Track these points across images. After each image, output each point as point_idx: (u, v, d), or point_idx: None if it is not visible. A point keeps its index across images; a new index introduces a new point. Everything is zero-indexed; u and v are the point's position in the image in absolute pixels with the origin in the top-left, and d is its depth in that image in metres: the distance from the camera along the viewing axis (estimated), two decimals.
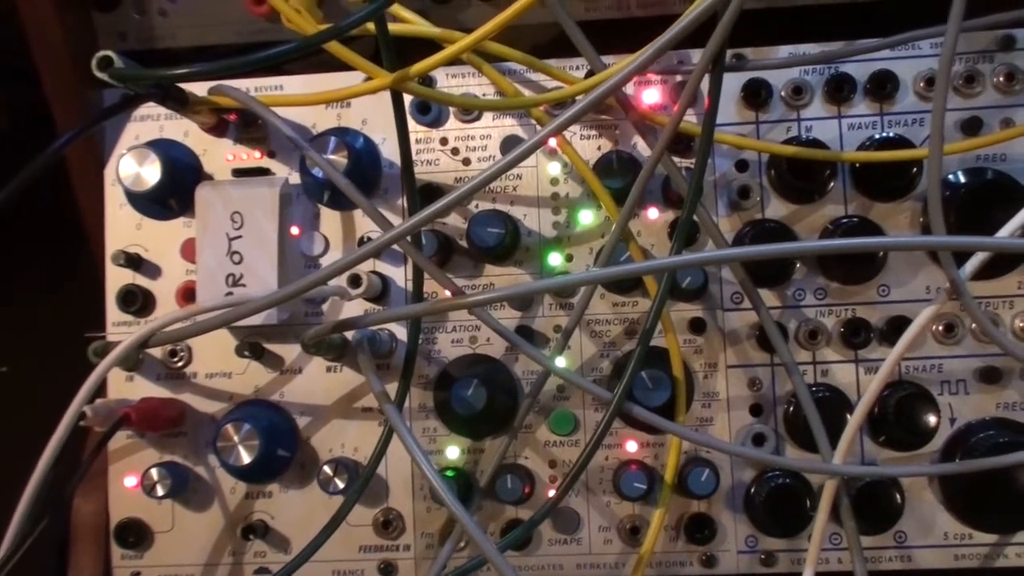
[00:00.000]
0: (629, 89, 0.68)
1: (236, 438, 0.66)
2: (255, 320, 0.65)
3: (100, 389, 0.65)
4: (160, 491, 0.68)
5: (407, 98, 0.67)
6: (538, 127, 0.70)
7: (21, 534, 0.62)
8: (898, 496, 0.66)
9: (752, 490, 0.67)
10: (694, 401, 0.68)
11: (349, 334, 0.68)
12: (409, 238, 0.63)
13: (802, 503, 0.66)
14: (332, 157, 0.66)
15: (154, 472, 0.68)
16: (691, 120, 0.68)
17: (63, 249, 0.81)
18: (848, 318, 0.68)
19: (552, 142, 0.69)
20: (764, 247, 0.61)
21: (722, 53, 0.59)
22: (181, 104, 0.65)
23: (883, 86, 0.68)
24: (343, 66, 0.64)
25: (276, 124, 0.63)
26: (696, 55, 0.69)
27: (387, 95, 0.66)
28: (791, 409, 0.67)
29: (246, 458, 0.66)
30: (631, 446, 0.69)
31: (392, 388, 0.67)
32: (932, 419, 0.65)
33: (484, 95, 0.70)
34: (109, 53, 0.59)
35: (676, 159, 0.67)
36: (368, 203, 0.63)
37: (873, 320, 0.67)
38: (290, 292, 0.59)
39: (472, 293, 0.68)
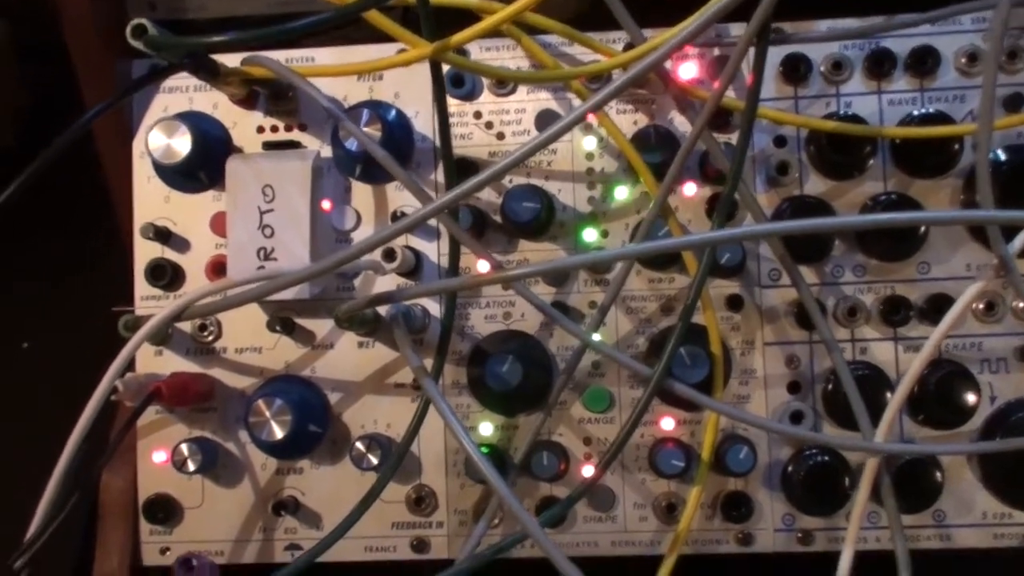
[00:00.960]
0: (665, 63, 0.67)
1: (268, 413, 0.65)
2: (286, 294, 0.64)
3: (128, 364, 0.64)
4: (191, 466, 0.67)
5: None
6: (573, 101, 0.69)
7: (51, 511, 0.61)
8: (938, 474, 0.65)
9: (789, 468, 0.67)
10: (731, 378, 0.67)
11: (381, 309, 0.67)
12: (446, 212, 0.62)
13: (840, 481, 0.65)
14: (365, 130, 0.65)
15: (184, 447, 0.68)
16: (728, 95, 0.67)
17: (88, 222, 0.80)
18: (887, 295, 0.67)
19: (589, 116, 0.68)
20: (806, 221, 0.60)
21: (767, 26, 0.58)
22: (213, 75, 0.64)
23: (924, 61, 0.67)
24: (370, 38, 0.63)
25: (313, 95, 0.62)
26: (734, 29, 0.68)
27: (421, 67, 0.65)
28: (830, 387, 0.67)
29: (278, 433, 0.65)
30: (667, 423, 0.68)
31: (425, 364, 0.66)
32: (972, 398, 0.64)
33: (518, 68, 0.69)
34: (143, 21, 0.58)
35: (715, 134, 0.66)
36: (407, 175, 0.62)
37: (912, 298, 0.67)
38: (325, 266, 0.58)
39: (511, 267, 0.67)
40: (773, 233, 0.62)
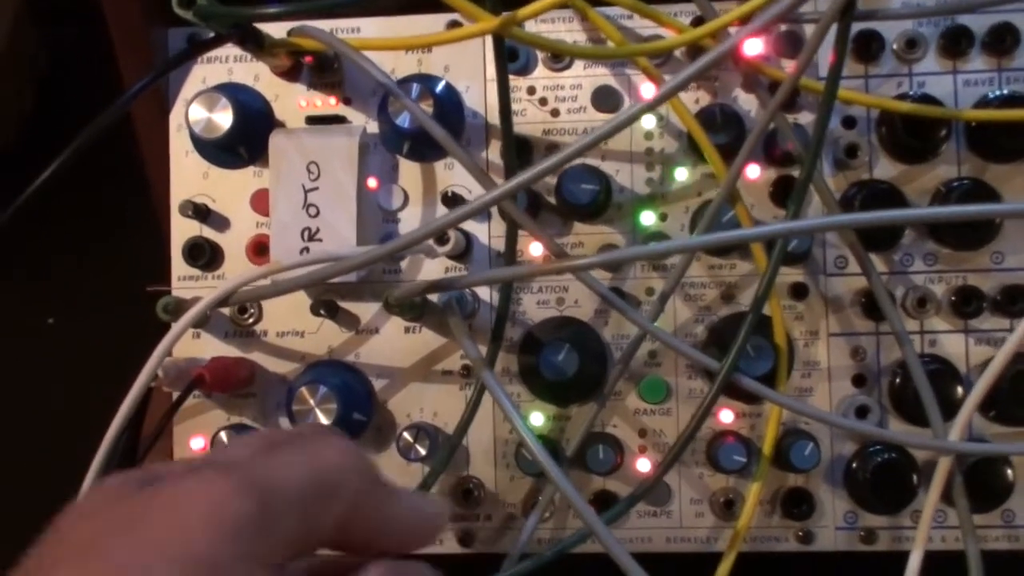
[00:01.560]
0: None
1: (312, 401, 0.63)
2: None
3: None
4: None
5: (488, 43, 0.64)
6: (632, 77, 0.66)
7: None
8: (1009, 473, 0.63)
9: (854, 465, 0.64)
10: (794, 370, 0.65)
11: (431, 295, 0.65)
12: None
13: (908, 479, 0.63)
14: (419, 106, 0.61)
15: (224, 435, 0.65)
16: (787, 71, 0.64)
17: (120, 196, 0.77)
18: (959, 286, 0.64)
19: (649, 94, 0.65)
20: (886, 213, 0.57)
21: (852, 2, 0.55)
22: (259, 47, 0.61)
23: (1002, 39, 0.64)
24: (414, 8, 0.60)
25: (367, 69, 0.59)
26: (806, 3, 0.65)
27: (473, 40, 0.62)
28: (897, 381, 0.64)
29: (325, 422, 0.62)
30: (726, 416, 0.65)
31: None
32: None
33: (574, 41, 0.66)
34: None
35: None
36: (468, 158, 0.59)
37: (985, 288, 0.64)
38: (385, 251, 0.56)
39: (573, 256, 0.64)
40: (850, 225, 0.60)
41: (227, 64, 0.68)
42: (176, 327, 0.59)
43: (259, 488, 0.32)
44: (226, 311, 0.67)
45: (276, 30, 0.64)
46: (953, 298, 0.64)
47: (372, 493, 0.36)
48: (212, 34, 0.60)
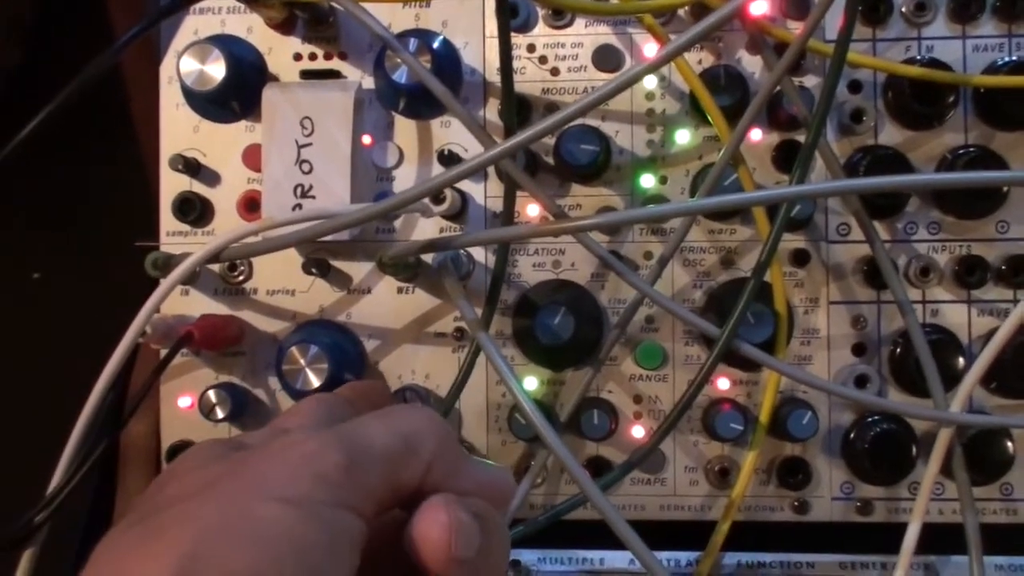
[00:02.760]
0: None
1: (303, 361, 0.61)
2: (326, 236, 0.60)
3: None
4: (220, 413, 0.64)
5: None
6: (635, 36, 0.64)
7: (75, 461, 0.58)
8: (1010, 446, 0.62)
9: (852, 435, 0.63)
10: (793, 338, 0.64)
11: (425, 255, 0.63)
12: None
13: (907, 450, 0.62)
14: (418, 60, 0.60)
15: (212, 394, 0.64)
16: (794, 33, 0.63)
17: (108, 149, 0.76)
18: (963, 255, 0.63)
19: (651, 54, 0.63)
20: (891, 178, 0.56)
21: None
22: None
23: (1014, 4, 0.62)
24: None
25: (365, 22, 0.57)
26: None
27: None
28: (898, 350, 0.63)
29: (314, 382, 0.61)
30: (723, 383, 0.64)
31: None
32: None
33: None
34: None
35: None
36: (468, 115, 0.58)
37: (990, 258, 0.63)
38: (380, 209, 0.54)
39: (573, 217, 0.63)
40: (855, 190, 0.58)
41: (220, 15, 0.66)
42: (164, 283, 0.58)
43: (347, 444, 0.37)
44: (216, 268, 0.66)
45: None
46: (956, 268, 0.63)
47: (448, 456, 0.39)
48: None
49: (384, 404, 0.46)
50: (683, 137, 0.65)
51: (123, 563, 0.33)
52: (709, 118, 0.61)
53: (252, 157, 0.65)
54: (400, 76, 0.61)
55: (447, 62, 0.64)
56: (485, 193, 0.65)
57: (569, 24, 0.65)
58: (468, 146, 0.65)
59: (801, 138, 0.61)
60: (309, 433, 0.37)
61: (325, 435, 0.37)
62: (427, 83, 0.57)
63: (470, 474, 0.40)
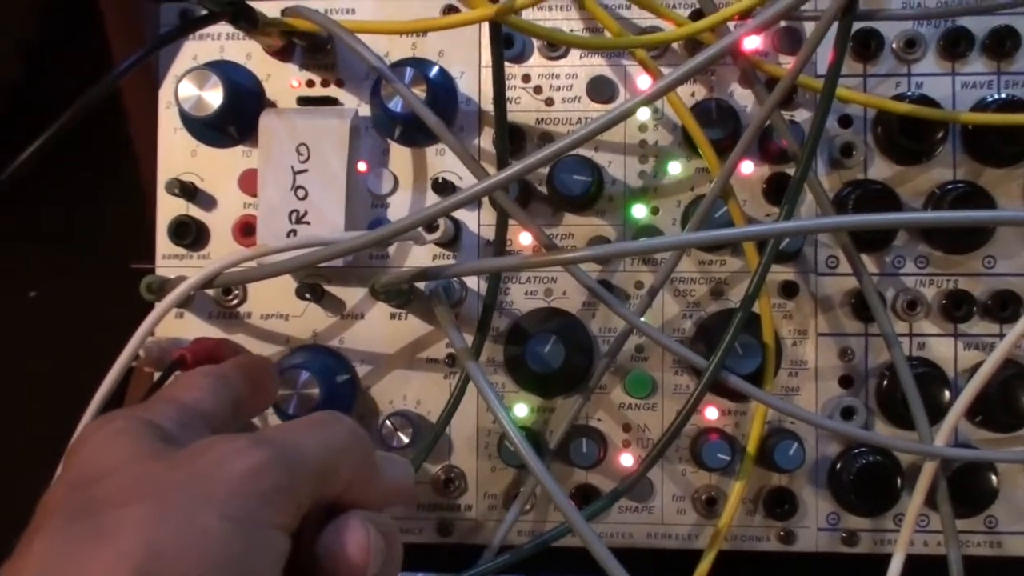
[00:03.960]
0: None
1: (295, 386, 0.62)
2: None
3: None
4: None
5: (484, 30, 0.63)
6: (628, 68, 0.65)
7: None
8: (994, 479, 0.62)
9: (838, 466, 0.64)
10: (781, 369, 0.64)
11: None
12: None
13: (892, 482, 0.62)
14: (411, 90, 0.61)
15: None
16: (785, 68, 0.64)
17: (107, 172, 0.76)
18: (950, 289, 0.64)
19: (645, 86, 0.64)
20: (881, 216, 0.57)
21: (854, 1, 0.54)
22: (253, 25, 0.60)
23: (1002, 43, 0.63)
24: None
25: (361, 52, 0.58)
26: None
27: (470, 26, 0.62)
28: (884, 383, 0.64)
29: (307, 407, 0.62)
30: (711, 413, 0.65)
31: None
32: None
33: (571, 30, 0.65)
34: None
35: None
36: (461, 145, 0.59)
37: (976, 293, 0.64)
38: (375, 237, 0.55)
39: (564, 248, 0.63)
40: (844, 227, 0.59)
41: (219, 42, 0.67)
42: (159, 307, 0.58)
43: (287, 463, 0.38)
44: (210, 292, 0.66)
45: (270, 8, 0.62)
46: (944, 302, 0.64)
47: (367, 470, 0.42)
48: (205, 11, 0.59)
49: (266, 383, 0.52)
50: (675, 168, 0.65)
51: (67, 563, 0.34)
52: (700, 150, 0.62)
53: (249, 182, 0.66)
54: (395, 105, 0.62)
55: (443, 91, 0.64)
56: (479, 221, 0.66)
57: (564, 55, 0.66)
58: (463, 174, 0.65)
59: (792, 171, 0.62)
60: (250, 443, 0.38)
61: (266, 450, 0.38)
62: (420, 114, 0.58)
63: (383, 484, 0.43)
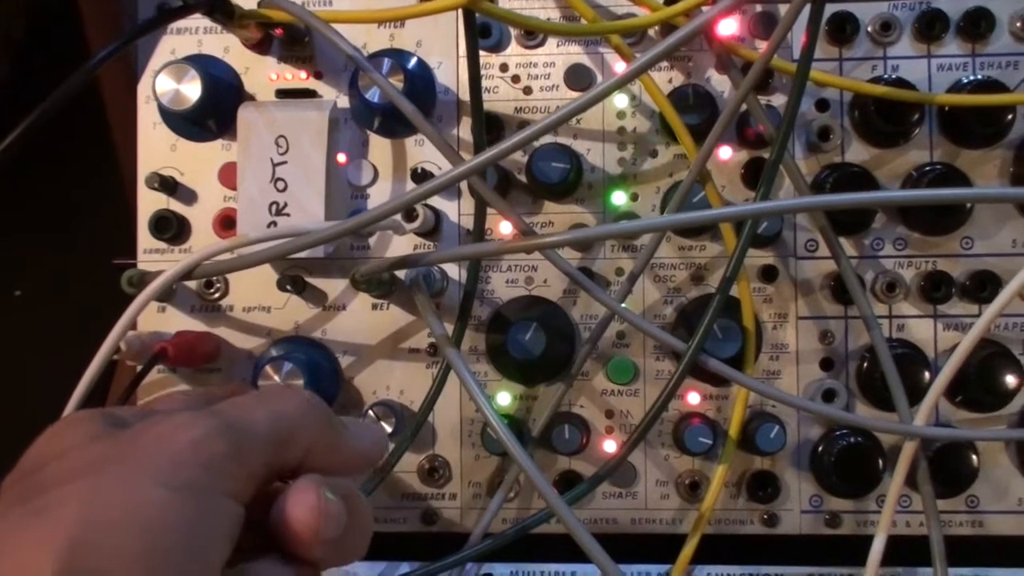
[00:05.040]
0: None
1: (277, 377, 0.62)
2: (300, 253, 0.60)
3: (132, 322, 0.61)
4: None
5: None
6: (606, 56, 0.65)
7: None
8: (974, 459, 0.63)
9: (820, 448, 0.64)
10: (762, 353, 0.65)
11: (398, 271, 0.64)
12: None
13: (874, 463, 0.63)
14: (388, 80, 0.61)
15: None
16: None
17: (87, 167, 0.76)
18: (928, 271, 0.64)
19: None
20: (856, 195, 0.57)
21: None
22: (229, 17, 0.60)
23: (977, 24, 0.63)
24: None
25: (337, 43, 0.58)
26: None
27: (446, 14, 0.62)
28: (865, 365, 0.64)
29: None
30: (693, 398, 0.65)
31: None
32: (1014, 381, 0.62)
33: (548, 18, 0.66)
34: None
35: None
36: (437, 133, 0.59)
37: (955, 274, 0.64)
38: (351, 226, 0.55)
39: (543, 234, 0.64)
40: (820, 207, 0.59)
41: (197, 35, 0.67)
42: (138, 299, 0.58)
43: (233, 431, 0.38)
44: (192, 285, 0.66)
45: (247, 1, 0.63)
46: (922, 283, 0.64)
47: (327, 437, 0.42)
48: (181, 3, 0.59)
49: None
50: (654, 155, 0.65)
51: (5, 545, 0.34)
52: (677, 136, 0.62)
53: (228, 175, 0.66)
54: (373, 96, 0.62)
55: (421, 82, 0.65)
56: (459, 211, 0.66)
57: (541, 44, 0.66)
58: (442, 164, 0.65)
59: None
60: (194, 416, 0.38)
61: (210, 420, 0.38)
62: (396, 102, 0.58)
63: (348, 447, 0.43)
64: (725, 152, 0.65)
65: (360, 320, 0.66)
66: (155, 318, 0.67)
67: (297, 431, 0.40)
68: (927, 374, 0.62)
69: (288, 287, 0.65)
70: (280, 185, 0.63)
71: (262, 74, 0.67)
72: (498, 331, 0.64)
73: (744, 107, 0.61)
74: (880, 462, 0.63)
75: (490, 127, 0.64)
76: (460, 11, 0.58)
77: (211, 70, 0.64)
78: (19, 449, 0.58)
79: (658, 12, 0.59)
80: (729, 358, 0.60)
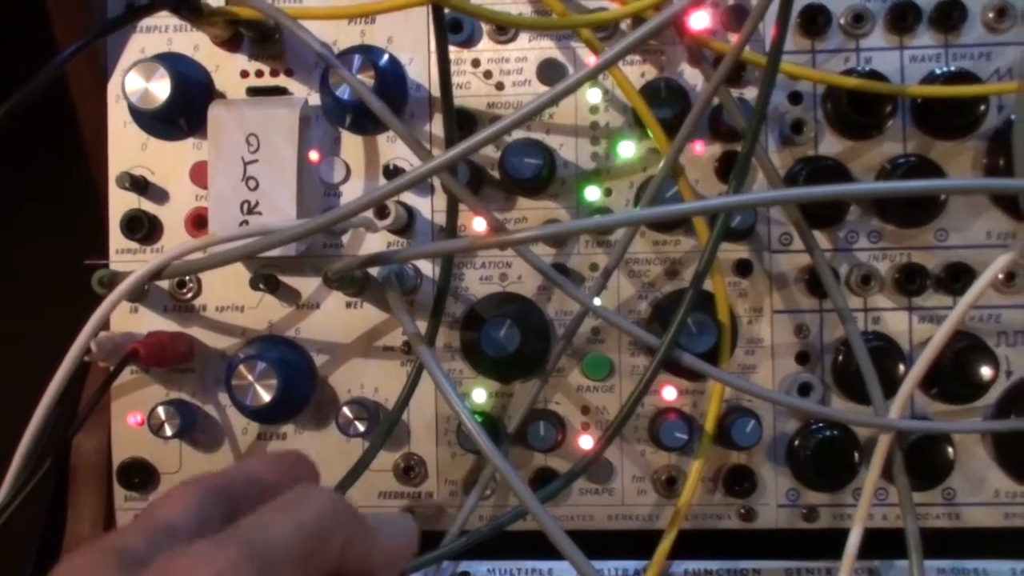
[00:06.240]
0: None
1: (251, 377, 0.62)
2: (273, 251, 0.59)
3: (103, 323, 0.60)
4: (168, 431, 0.64)
5: None
6: (578, 50, 0.65)
7: (21, 478, 0.58)
8: (950, 451, 0.63)
9: (796, 442, 0.64)
10: (737, 347, 0.64)
11: (372, 268, 0.64)
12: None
13: (850, 457, 0.63)
14: (359, 77, 0.60)
15: (161, 411, 0.64)
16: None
17: (58, 169, 0.76)
18: (903, 263, 0.64)
19: None
20: (827, 188, 0.56)
21: None
22: (196, 15, 0.60)
23: (949, 15, 0.63)
24: None
25: (305, 39, 0.58)
26: None
27: (417, 10, 0.62)
28: (840, 358, 0.64)
29: (264, 397, 0.61)
30: (669, 393, 0.65)
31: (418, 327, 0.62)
32: (989, 372, 0.61)
33: (520, 13, 0.65)
34: None
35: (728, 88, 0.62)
36: (405, 130, 0.58)
37: (929, 266, 0.64)
38: (318, 224, 0.55)
39: (515, 230, 0.63)
40: (793, 200, 0.59)
41: (166, 34, 0.67)
42: (108, 299, 0.58)
43: (258, 556, 0.33)
44: (165, 285, 0.66)
45: None
46: (897, 275, 0.64)
47: (358, 538, 0.37)
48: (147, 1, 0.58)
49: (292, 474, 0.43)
50: (627, 150, 0.65)
51: None
52: (649, 130, 0.62)
53: (200, 174, 0.66)
54: (344, 93, 0.61)
55: (392, 78, 0.64)
56: (432, 208, 0.66)
57: (513, 39, 0.66)
58: (414, 161, 0.65)
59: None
60: (214, 545, 0.34)
61: (232, 548, 0.33)
62: (365, 99, 0.58)
63: (381, 546, 0.39)
64: (699, 146, 0.65)
65: (334, 318, 0.66)
66: (128, 319, 0.66)
67: (327, 536, 0.36)
68: (902, 366, 0.62)
69: (261, 286, 0.65)
70: (251, 184, 0.63)
71: (232, 72, 0.66)
72: (472, 328, 0.64)
73: (716, 100, 0.61)
74: (856, 455, 0.63)
75: (462, 123, 0.64)
76: (429, 6, 0.58)
77: (181, 68, 0.63)
78: None
79: (628, 6, 0.58)
80: (704, 353, 0.60)
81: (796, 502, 0.65)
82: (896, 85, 0.63)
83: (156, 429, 0.64)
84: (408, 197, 0.65)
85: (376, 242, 0.66)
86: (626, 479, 0.65)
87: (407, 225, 0.65)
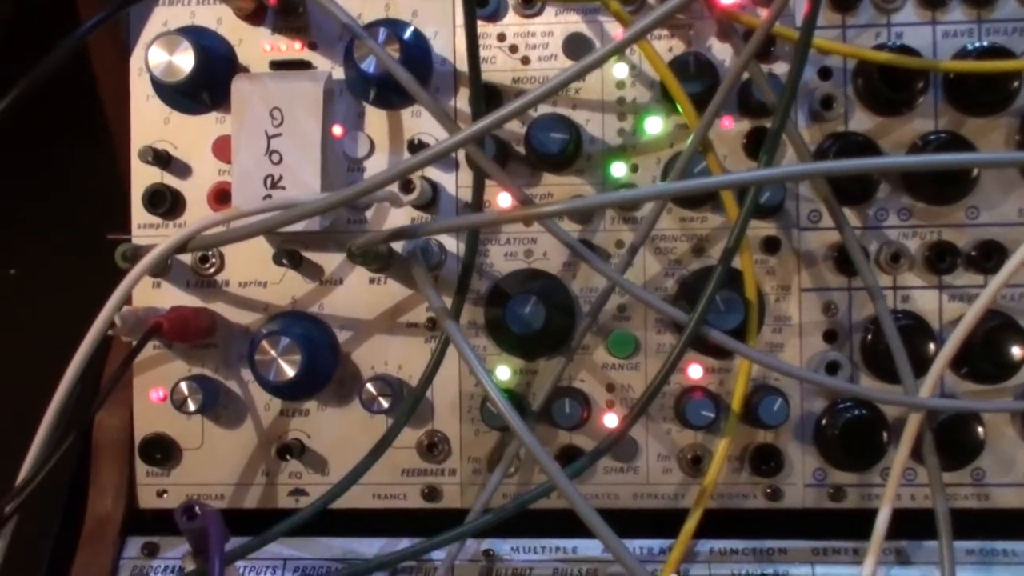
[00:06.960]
0: None
1: (275, 352, 0.61)
2: (296, 226, 0.59)
3: (126, 297, 0.60)
4: (191, 406, 0.64)
5: None
6: (604, 25, 0.64)
7: (44, 453, 0.58)
8: (980, 431, 0.62)
9: (824, 421, 0.63)
10: (764, 325, 0.64)
11: (396, 244, 0.63)
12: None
13: (878, 436, 0.62)
14: (384, 49, 0.60)
15: (184, 386, 0.64)
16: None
17: (81, 142, 0.75)
18: (933, 241, 0.63)
19: None
20: (858, 161, 0.56)
21: None
22: None
23: None
24: None
25: (331, 11, 0.58)
26: None
27: None
28: (869, 337, 0.63)
29: (288, 373, 0.61)
30: (695, 371, 0.64)
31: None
32: (1020, 352, 0.61)
33: None
34: None
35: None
36: (432, 100, 0.58)
37: (960, 244, 0.63)
38: (343, 197, 0.54)
39: (541, 203, 0.63)
40: (823, 173, 0.58)
41: (189, 7, 0.66)
42: (131, 274, 0.57)
43: None
44: (187, 260, 0.66)
45: None
46: (927, 253, 0.63)
47: None
48: None
49: None
50: (654, 125, 0.64)
51: None
52: (678, 105, 0.61)
53: (223, 149, 0.65)
54: (369, 66, 0.61)
55: (417, 52, 0.64)
56: (456, 183, 0.65)
57: (539, 13, 0.65)
58: (439, 135, 0.64)
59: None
60: None
61: None
62: (392, 71, 0.57)
63: None
64: (727, 121, 0.64)
65: (358, 294, 0.66)
66: (150, 294, 0.66)
67: None
68: (932, 345, 0.62)
69: (284, 261, 0.64)
70: (275, 158, 0.62)
71: (256, 45, 0.66)
72: (497, 305, 0.63)
73: (746, 75, 0.60)
74: (884, 435, 0.62)
75: (488, 98, 0.63)
76: None
77: (204, 41, 0.63)
78: (16, 428, 0.58)
79: None
80: (731, 330, 0.59)
81: (823, 482, 0.64)
82: (928, 60, 0.62)
83: (179, 404, 0.64)
84: (433, 173, 0.65)
85: (400, 218, 0.65)
86: (651, 457, 0.65)
87: (431, 200, 0.65)
